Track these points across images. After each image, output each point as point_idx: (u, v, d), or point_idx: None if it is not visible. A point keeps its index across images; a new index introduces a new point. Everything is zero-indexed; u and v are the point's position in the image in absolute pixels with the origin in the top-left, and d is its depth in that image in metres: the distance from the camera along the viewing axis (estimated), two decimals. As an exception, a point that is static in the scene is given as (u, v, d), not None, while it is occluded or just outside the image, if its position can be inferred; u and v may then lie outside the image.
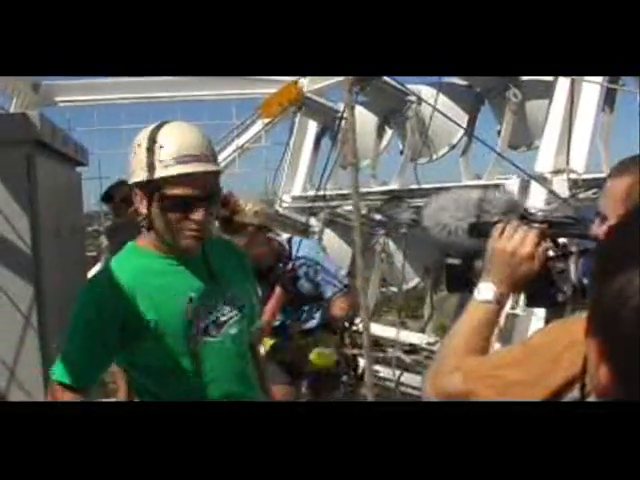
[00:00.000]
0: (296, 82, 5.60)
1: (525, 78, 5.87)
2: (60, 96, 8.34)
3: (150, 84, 8.31)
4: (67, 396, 2.26)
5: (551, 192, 4.96)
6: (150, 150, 2.20)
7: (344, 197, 6.57)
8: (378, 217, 6.82)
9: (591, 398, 0.98)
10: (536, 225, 1.75)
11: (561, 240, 1.76)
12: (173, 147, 2.20)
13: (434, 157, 6.78)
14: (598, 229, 1.65)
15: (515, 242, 1.70)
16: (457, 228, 1.85)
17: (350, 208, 5.81)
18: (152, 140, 2.21)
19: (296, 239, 4.76)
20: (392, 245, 6.89)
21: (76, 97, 8.39)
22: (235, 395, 2.40)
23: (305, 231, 6.69)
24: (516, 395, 1.49)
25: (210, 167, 2.25)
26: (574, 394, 1.37)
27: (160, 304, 2.29)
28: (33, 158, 3.60)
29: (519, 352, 1.62)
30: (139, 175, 2.23)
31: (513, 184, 5.42)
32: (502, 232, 1.72)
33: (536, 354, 1.52)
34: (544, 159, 5.28)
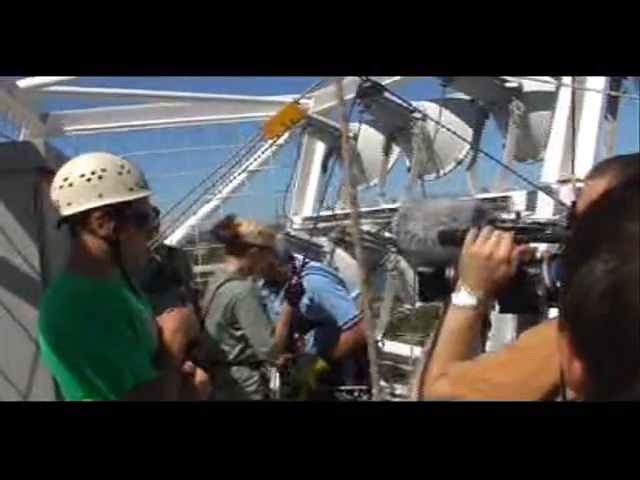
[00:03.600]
0: (297, 101, 5.64)
1: (527, 90, 5.89)
2: (68, 125, 8.42)
3: (157, 111, 8.38)
4: (156, 392, 2.28)
5: (558, 202, 4.96)
6: (121, 174, 2.40)
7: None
8: (388, 235, 6.82)
9: (572, 396, 0.97)
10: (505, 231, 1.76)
11: (532, 245, 1.76)
12: (137, 172, 2.46)
13: (441, 172, 6.80)
14: None
15: (490, 246, 1.70)
16: (427, 237, 1.86)
17: (363, 228, 5.83)
18: (119, 165, 2.43)
19: (298, 262, 4.78)
20: (403, 262, 6.89)
21: (84, 126, 8.47)
22: None
23: (316, 252, 6.70)
24: (504, 398, 1.48)
25: None
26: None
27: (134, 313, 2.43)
28: (40, 186, 3.63)
29: (506, 355, 1.62)
30: (116, 196, 2.38)
31: (520, 196, 5.44)
32: (476, 237, 1.72)
33: (523, 357, 1.52)
34: (550, 169, 5.30)
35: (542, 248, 1.80)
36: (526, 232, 1.77)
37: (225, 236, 4.46)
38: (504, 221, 1.84)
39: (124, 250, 2.42)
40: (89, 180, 2.35)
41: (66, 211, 2.37)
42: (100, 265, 2.41)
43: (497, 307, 1.82)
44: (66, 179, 2.38)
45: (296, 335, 4.63)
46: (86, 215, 2.36)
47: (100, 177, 2.36)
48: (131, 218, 2.41)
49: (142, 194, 2.44)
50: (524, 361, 1.51)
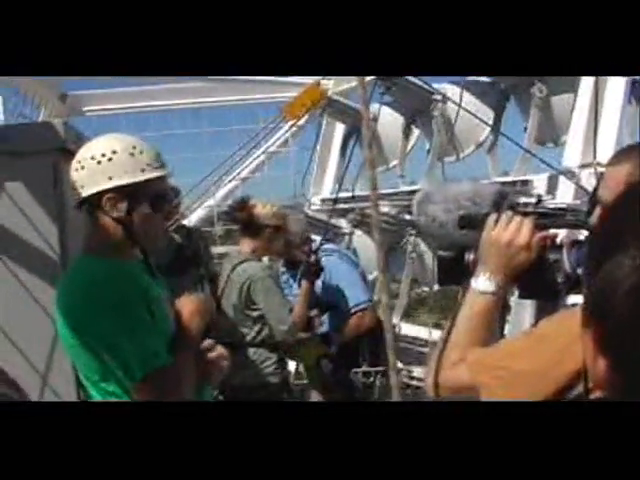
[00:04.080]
0: (318, 83, 5.60)
1: (550, 73, 5.84)
2: (87, 106, 8.41)
3: (176, 91, 8.36)
4: (170, 377, 2.29)
5: (579, 186, 4.92)
6: (133, 155, 2.38)
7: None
8: (407, 217, 6.79)
9: (596, 392, 0.95)
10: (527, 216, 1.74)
11: (553, 231, 1.74)
12: (152, 152, 2.42)
13: (461, 155, 6.76)
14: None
15: (511, 232, 1.68)
16: (448, 220, 1.84)
17: (382, 210, 5.80)
18: (131, 146, 2.40)
19: (315, 244, 4.78)
20: (422, 245, 6.86)
21: (103, 106, 8.46)
22: None
23: (335, 233, 6.69)
24: (523, 386, 1.46)
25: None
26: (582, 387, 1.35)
27: (153, 298, 2.41)
28: (59, 166, 3.64)
29: (526, 341, 1.60)
30: (126, 178, 2.36)
31: (541, 180, 5.40)
32: (497, 222, 1.71)
33: (544, 344, 1.50)
34: (571, 154, 5.25)
35: (563, 234, 1.78)
36: (547, 217, 1.75)
37: (240, 217, 4.49)
38: (526, 205, 1.82)
39: (140, 232, 2.41)
40: (99, 163, 2.36)
41: (81, 194, 2.40)
42: (116, 248, 2.41)
43: (517, 292, 1.81)
44: (79, 162, 2.40)
45: (313, 313, 4.66)
46: (98, 197, 2.37)
47: (110, 159, 2.36)
48: (145, 199, 2.40)
49: (154, 174, 2.40)
50: (545, 349, 1.49)
